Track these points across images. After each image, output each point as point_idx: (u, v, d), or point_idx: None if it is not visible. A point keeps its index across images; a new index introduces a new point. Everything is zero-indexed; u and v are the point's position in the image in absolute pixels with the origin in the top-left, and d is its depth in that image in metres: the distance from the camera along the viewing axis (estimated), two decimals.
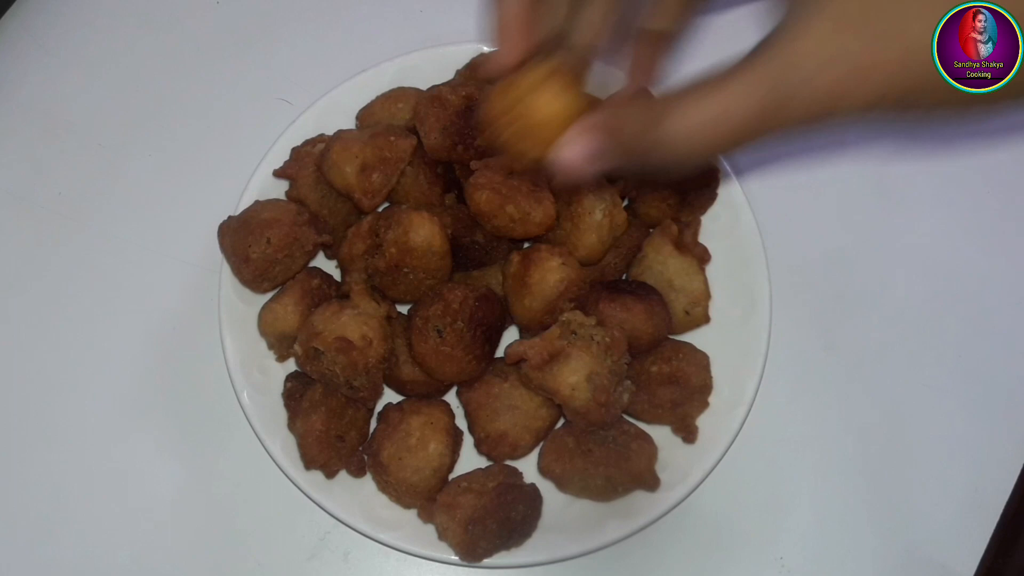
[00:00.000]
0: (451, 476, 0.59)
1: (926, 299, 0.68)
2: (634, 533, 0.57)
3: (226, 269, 0.61)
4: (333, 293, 0.61)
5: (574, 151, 0.39)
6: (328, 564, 0.60)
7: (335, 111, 0.66)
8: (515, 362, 0.56)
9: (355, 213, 0.64)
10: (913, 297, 0.68)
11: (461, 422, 0.60)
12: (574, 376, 0.54)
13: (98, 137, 0.72)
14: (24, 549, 0.61)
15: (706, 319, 0.62)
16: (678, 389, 0.59)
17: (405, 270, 0.58)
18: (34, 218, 0.70)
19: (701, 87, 0.35)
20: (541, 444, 0.60)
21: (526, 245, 0.62)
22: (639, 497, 0.58)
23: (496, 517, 0.54)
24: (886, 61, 0.32)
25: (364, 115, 0.66)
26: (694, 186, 0.63)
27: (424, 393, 0.61)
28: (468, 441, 0.60)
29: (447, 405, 0.60)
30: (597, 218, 0.59)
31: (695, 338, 0.62)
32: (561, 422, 0.60)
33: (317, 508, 0.58)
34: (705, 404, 0.60)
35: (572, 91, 0.41)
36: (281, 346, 0.61)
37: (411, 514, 0.58)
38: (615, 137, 0.39)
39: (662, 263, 0.62)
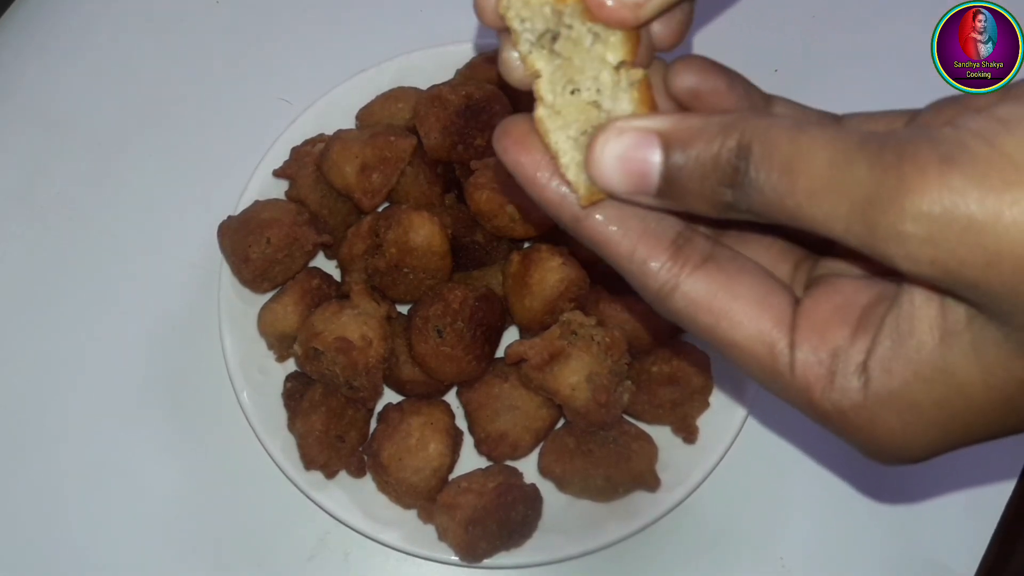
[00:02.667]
0: (451, 476, 0.59)
1: None
2: (634, 533, 0.57)
3: (226, 269, 0.61)
4: (333, 293, 0.61)
5: (609, 162, 0.28)
6: (328, 564, 0.60)
7: (335, 111, 0.66)
8: (515, 362, 0.56)
9: (355, 213, 0.64)
10: None
11: (461, 422, 0.60)
12: (574, 376, 0.54)
13: (98, 137, 0.72)
14: (24, 548, 0.61)
15: None
16: (678, 389, 0.59)
17: (405, 270, 0.58)
18: (34, 218, 0.70)
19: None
20: (541, 444, 0.60)
21: (526, 245, 0.62)
22: (639, 497, 0.58)
23: (496, 517, 0.54)
24: None
25: (364, 115, 0.66)
26: None
27: (424, 393, 0.60)
28: (468, 441, 0.60)
29: (447, 405, 0.60)
30: None
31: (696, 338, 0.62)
32: (561, 422, 0.60)
33: (317, 508, 0.58)
34: (705, 404, 0.60)
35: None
36: (281, 346, 0.61)
37: (411, 514, 0.58)
38: (687, 156, 0.27)
39: None
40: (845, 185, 0.24)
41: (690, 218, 0.31)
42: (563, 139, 0.29)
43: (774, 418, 0.63)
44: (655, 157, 0.27)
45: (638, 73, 0.28)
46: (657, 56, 0.31)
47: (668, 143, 0.27)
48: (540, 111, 0.29)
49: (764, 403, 0.61)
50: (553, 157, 0.29)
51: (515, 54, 0.29)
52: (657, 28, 0.30)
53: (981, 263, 0.23)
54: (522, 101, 0.62)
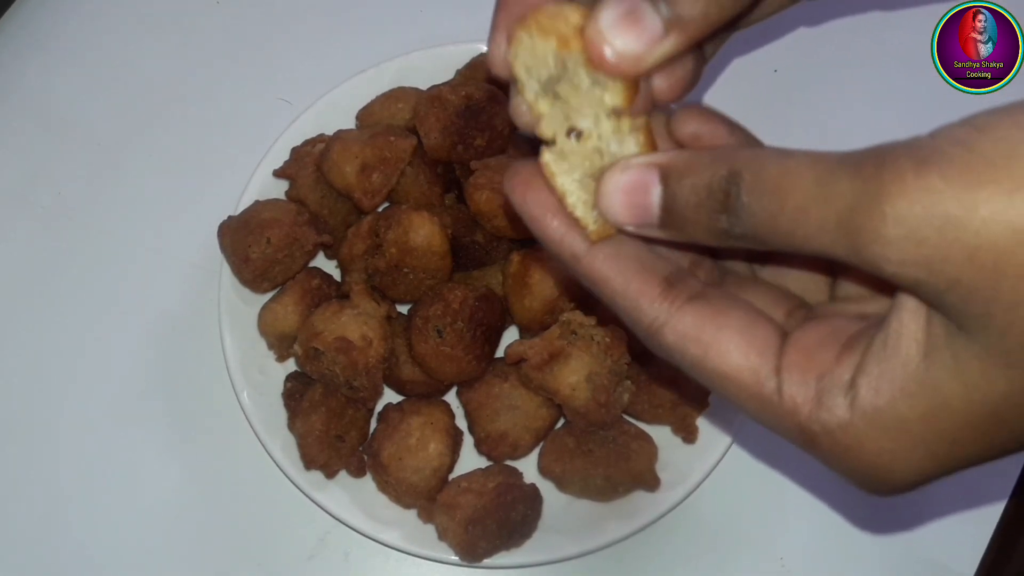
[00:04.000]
0: (451, 476, 0.59)
1: None
2: (634, 533, 0.57)
3: (226, 269, 0.61)
4: (333, 293, 0.61)
5: (614, 195, 0.29)
6: (328, 564, 0.60)
7: (335, 111, 0.66)
8: (515, 362, 0.56)
9: (355, 213, 0.64)
10: None
11: (461, 422, 0.60)
12: (574, 376, 0.54)
13: (98, 137, 0.72)
14: (24, 548, 0.61)
15: None
16: (678, 389, 0.59)
17: (405, 270, 0.58)
18: (34, 218, 0.70)
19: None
20: (541, 444, 0.60)
21: (526, 245, 0.62)
22: (639, 497, 0.58)
23: (496, 517, 0.54)
24: None
25: (364, 115, 0.66)
26: None
27: (424, 393, 0.60)
28: (468, 441, 0.60)
29: (447, 405, 0.60)
30: None
31: None
32: (561, 422, 0.60)
33: (317, 508, 0.58)
34: (705, 404, 0.60)
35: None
36: (281, 346, 0.61)
37: (411, 514, 0.58)
38: (682, 188, 0.28)
39: None
40: (830, 198, 0.25)
41: (700, 253, 0.33)
42: (569, 181, 0.30)
43: None
44: (655, 189, 0.29)
45: (641, 120, 0.30)
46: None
47: (666, 175, 0.28)
48: (546, 156, 0.30)
49: None
50: (560, 198, 0.31)
51: (523, 101, 0.31)
52: (659, 82, 0.31)
53: (962, 258, 0.23)
54: None
